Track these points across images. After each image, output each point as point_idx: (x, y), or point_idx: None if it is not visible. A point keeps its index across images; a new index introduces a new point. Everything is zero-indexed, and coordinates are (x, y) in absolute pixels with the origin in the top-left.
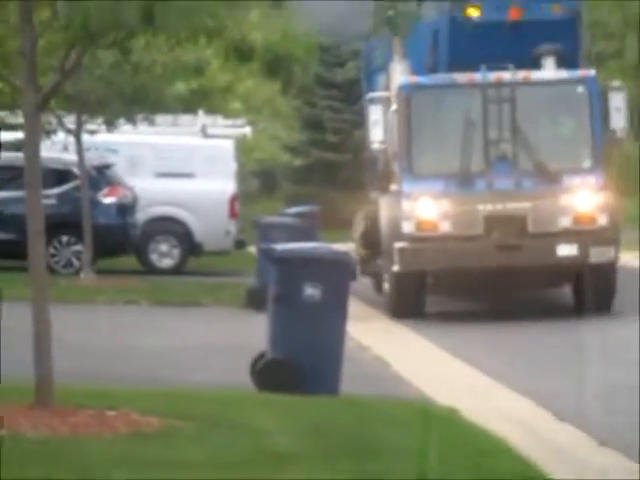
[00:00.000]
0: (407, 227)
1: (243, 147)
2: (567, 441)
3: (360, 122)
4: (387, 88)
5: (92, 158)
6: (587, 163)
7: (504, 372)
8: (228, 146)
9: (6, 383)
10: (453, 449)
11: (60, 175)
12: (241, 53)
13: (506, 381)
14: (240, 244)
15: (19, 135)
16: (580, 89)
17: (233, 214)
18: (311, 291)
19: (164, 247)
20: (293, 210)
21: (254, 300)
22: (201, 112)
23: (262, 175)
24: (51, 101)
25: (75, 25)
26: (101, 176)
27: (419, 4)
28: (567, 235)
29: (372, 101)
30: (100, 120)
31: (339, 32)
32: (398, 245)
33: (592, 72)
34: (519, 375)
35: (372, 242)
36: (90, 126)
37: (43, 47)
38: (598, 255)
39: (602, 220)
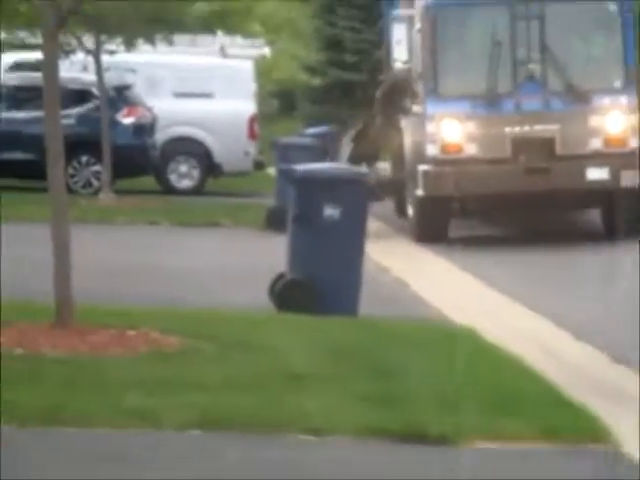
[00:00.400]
0: (431, 150)
1: (262, 67)
2: (583, 359)
3: (379, 43)
4: (411, 6)
5: (111, 78)
6: (618, 83)
7: (525, 294)
8: (247, 66)
9: (27, 303)
10: (470, 368)
11: (79, 95)
12: None
13: (527, 303)
14: (259, 165)
15: (38, 55)
16: (612, 6)
17: (252, 135)
18: (330, 211)
19: (183, 168)
20: (312, 131)
21: (274, 221)
22: (220, 32)
23: (281, 96)
24: (70, 21)
25: None
26: (120, 96)
27: None
28: (597, 158)
29: (396, 19)
30: (119, 40)
31: None
32: (422, 168)
33: None
34: (540, 297)
35: (360, 164)
36: (109, 46)
37: None
38: (629, 179)
39: (634, 143)
